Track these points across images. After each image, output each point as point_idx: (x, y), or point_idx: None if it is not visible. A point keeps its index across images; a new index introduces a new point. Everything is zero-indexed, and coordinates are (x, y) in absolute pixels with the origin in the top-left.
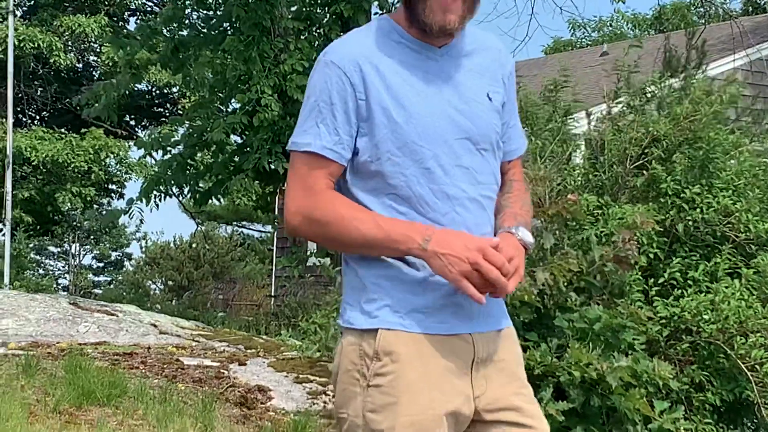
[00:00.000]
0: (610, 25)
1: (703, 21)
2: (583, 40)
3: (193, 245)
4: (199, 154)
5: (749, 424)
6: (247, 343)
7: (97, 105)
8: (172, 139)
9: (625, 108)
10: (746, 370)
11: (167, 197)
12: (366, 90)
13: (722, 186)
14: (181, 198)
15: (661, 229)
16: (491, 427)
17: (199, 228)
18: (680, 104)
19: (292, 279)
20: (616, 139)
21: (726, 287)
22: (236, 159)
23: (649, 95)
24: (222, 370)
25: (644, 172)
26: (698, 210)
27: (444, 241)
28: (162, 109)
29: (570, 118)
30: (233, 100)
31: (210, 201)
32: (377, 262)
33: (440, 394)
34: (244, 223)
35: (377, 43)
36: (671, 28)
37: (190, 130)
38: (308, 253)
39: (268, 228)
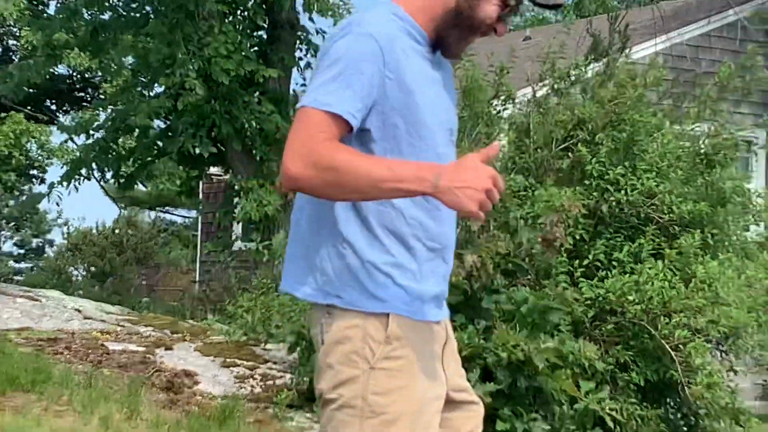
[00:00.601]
0: (532, 10)
1: (624, 6)
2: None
3: (116, 231)
4: (122, 139)
5: (672, 404)
6: (173, 328)
7: (8, 82)
8: (95, 123)
9: (549, 92)
10: (670, 350)
11: (88, 180)
12: (396, 70)
13: (646, 168)
14: (103, 182)
15: (586, 211)
16: (457, 409)
17: (121, 213)
18: (605, 87)
19: (218, 264)
20: (541, 123)
21: (650, 268)
22: (160, 143)
23: (573, 79)
24: (148, 355)
25: (569, 154)
26: (622, 192)
27: (456, 176)
28: (84, 94)
29: (503, 101)
30: (157, 83)
31: (134, 186)
32: (382, 248)
33: (436, 380)
34: (168, 208)
35: (402, 30)
36: (591, 13)
37: (113, 114)
38: (234, 237)
39: (193, 213)
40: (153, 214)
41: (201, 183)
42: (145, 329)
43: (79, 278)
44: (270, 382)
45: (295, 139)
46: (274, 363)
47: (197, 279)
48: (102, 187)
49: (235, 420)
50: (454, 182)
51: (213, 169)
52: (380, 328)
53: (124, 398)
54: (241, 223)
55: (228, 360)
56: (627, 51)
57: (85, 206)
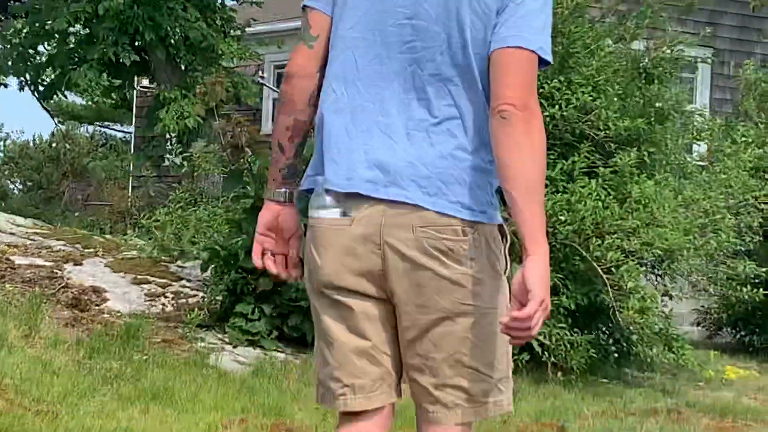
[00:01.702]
0: None
1: None
2: None
3: (53, 145)
4: (41, 46)
5: (604, 329)
6: (86, 243)
7: None
8: (11, 30)
9: None
10: (602, 273)
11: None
12: None
13: (582, 82)
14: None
15: None
16: None
17: (57, 127)
18: None
19: (148, 179)
20: None
21: (582, 187)
22: (80, 50)
23: None
24: (55, 270)
25: None
26: (557, 107)
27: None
28: None
29: None
30: None
31: (54, 95)
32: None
33: None
34: (107, 123)
35: None
36: None
37: (31, 20)
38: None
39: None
40: (91, 128)
41: (134, 95)
42: (56, 243)
43: (16, 192)
44: (182, 301)
45: (524, 82)
46: (188, 281)
47: (129, 194)
48: (38, 100)
49: (140, 339)
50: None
51: (146, 82)
52: (503, 241)
53: (23, 315)
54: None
55: (140, 277)
56: None
57: (24, 119)
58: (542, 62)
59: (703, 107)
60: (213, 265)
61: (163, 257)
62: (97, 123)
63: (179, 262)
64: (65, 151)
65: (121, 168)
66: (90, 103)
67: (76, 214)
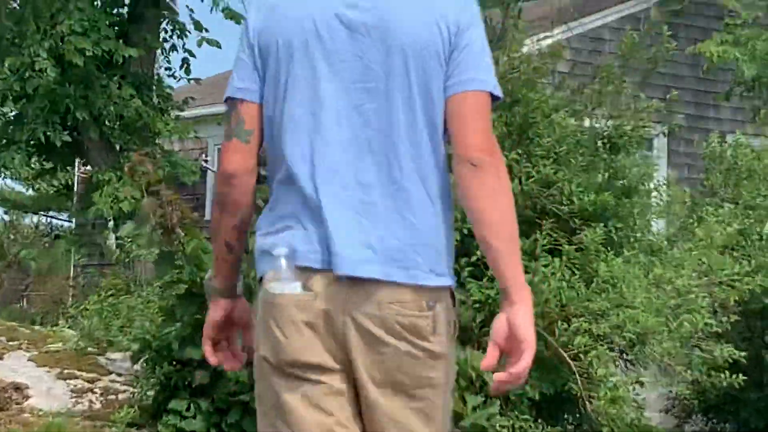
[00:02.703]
0: None
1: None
2: None
3: None
4: None
5: (571, 420)
6: (11, 335)
7: None
8: None
9: None
10: (568, 360)
11: None
12: None
13: (542, 153)
14: None
15: None
16: None
17: (1, 218)
18: (497, 64)
19: (88, 267)
20: None
21: (546, 266)
22: (9, 132)
23: None
24: None
25: None
26: (516, 180)
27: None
28: None
29: None
30: (4, 64)
31: None
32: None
33: None
34: (51, 212)
35: None
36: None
37: None
38: (108, 236)
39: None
40: (36, 218)
41: (75, 180)
42: None
43: None
44: (112, 397)
45: (485, 126)
46: (118, 375)
47: (70, 284)
48: None
49: None
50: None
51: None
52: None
53: None
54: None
55: (66, 371)
56: (522, 36)
57: None
58: (493, 98)
59: (663, 182)
60: (144, 357)
61: (91, 349)
62: (41, 212)
63: (109, 354)
64: (9, 243)
65: (63, 256)
66: (32, 191)
67: (15, 305)
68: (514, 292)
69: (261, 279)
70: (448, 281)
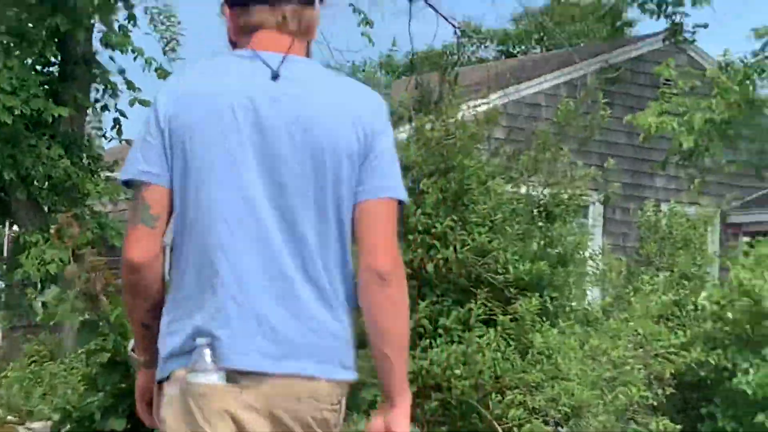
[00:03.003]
0: (363, 70)
1: (457, 65)
2: None
3: None
4: None
5: None
6: None
7: None
8: None
9: None
10: None
11: None
12: None
13: (478, 221)
14: None
15: (410, 271)
16: None
17: None
18: (432, 130)
19: (16, 329)
20: None
21: (480, 336)
22: None
23: (394, 120)
24: None
25: None
26: (451, 248)
27: None
28: None
29: None
30: None
31: None
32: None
33: None
34: None
35: None
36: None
37: None
38: (34, 299)
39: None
40: None
41: (6, 240)
42: None
43: None
44: None
45: (387, 232)
46: None
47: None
48: None
49: None
50: None
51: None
52: None
53: None
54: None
55: None
56: (457, 101)
57: None
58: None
59: (598, 251)
60: (65, 429)
61: (11, 417)
62: None
63: (29, 424)
64: None
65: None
66: None
67: None
68: (396, 396)
69: (168, 357)
70: (354, 375)
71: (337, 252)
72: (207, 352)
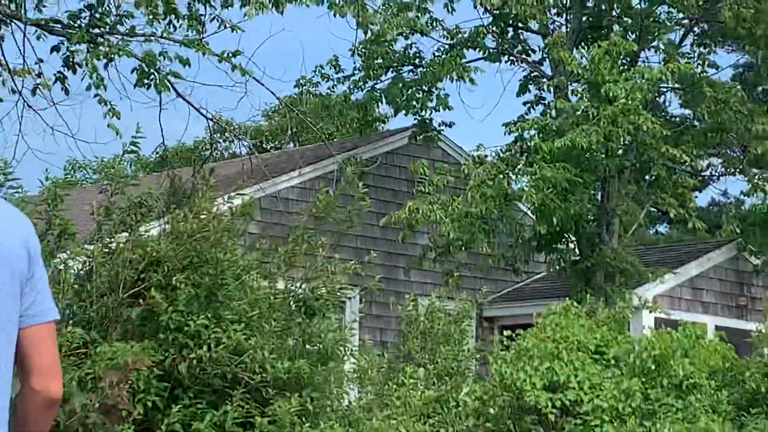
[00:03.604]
0: (113, 167)
1: (211, 160)
2: (85, 181)
3: None
4: None
5: None
6: None
7: None
8: None
9: (118, 226)
10: None
11: None
12: None
13: (233, 318)
14: None
15: (161, 372)
16: None
17: None
18: (185, 222)
19: None
20: (107, 263)
21: None
22: None
23: (143, 212)
24: None
25: (141, 301)
26: (205, 347)
27: None
28: None
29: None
30: None
31: None
32: None
33: None
34: None
35: None
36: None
37: None
38: None
39: None
40: None
41: None
42: None
43: None
44: None
45: (57, 356)
46: None
47: None
48: None
49: None
50: None
51: None
52: None
53: None
54: None
55: None
56: (211, 194)
57: None
58: None
59: (357, 347)
60: None
61: None
62: None
63: None
64: None
65: None
66: None
67: None
68: None
69: None
70: None
71: (10, 370)
72: None
